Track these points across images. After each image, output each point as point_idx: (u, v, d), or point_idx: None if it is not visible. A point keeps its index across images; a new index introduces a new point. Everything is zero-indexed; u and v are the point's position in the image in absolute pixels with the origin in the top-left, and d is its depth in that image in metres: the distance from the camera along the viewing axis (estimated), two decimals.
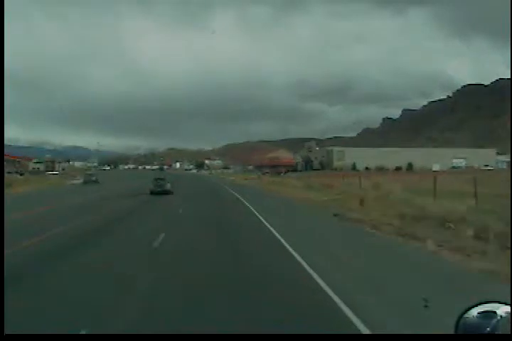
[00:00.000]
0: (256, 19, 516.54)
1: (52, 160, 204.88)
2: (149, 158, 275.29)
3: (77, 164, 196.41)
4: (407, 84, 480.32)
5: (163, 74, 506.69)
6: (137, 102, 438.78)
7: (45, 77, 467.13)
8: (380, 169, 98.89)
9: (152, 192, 39.19)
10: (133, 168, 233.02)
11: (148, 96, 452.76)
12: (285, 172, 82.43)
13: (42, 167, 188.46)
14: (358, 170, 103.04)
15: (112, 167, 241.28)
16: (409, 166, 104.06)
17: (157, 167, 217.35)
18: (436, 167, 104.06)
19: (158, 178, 43.04)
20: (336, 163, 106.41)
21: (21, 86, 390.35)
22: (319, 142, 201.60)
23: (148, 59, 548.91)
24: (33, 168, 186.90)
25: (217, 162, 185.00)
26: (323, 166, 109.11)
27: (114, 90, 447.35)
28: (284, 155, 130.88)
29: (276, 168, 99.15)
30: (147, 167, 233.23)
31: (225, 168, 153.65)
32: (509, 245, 11.68)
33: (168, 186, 41.16)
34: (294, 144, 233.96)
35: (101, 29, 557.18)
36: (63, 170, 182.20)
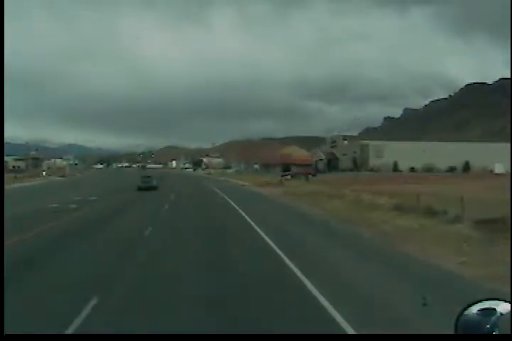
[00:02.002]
0: (256, 17, 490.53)
1: (36, 157, 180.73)
2: (145, 156, 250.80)
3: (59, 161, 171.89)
4: (407, 83, 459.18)
5: (163, 73, 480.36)
6: (137, 101, 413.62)
7: (44, 74, 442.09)
8: (429, 170, 72.33)
9: (140, 188, 42.76)
10: (125, 167, 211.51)
11: (148, 94, 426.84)
12: (314, 174, 56.21)
13: (23, 165, 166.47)
14: (400, 171, 76.62)
15: (106, 165, 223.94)
16: (466, 166, 76.52)
17: (130, 165, 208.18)
18: (499, 168, 75.43)
19: (145, 176, 47.86)
20: (373, 162, 79.46)
21: (21, 84, 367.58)
22: (322, 140, 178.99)
23: (149, 57, 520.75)
24: (13, 167, 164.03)
25: (217, 160, 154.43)
26: (356, 166, 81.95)
27: (115, 88, 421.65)
28: (298, 152, 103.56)
29: (302, 168, 72.43)
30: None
31: (226, 167, 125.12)
32: None
33: (154, 183, 45.10)
34: (298, 142, 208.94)
35: (101, 27, 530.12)
36: (48, 168, 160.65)
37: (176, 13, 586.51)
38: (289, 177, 55.14)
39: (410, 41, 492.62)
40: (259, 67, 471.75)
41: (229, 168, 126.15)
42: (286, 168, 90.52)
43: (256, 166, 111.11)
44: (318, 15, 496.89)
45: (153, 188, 42.84)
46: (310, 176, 53.97)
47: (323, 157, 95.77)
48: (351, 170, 76.08)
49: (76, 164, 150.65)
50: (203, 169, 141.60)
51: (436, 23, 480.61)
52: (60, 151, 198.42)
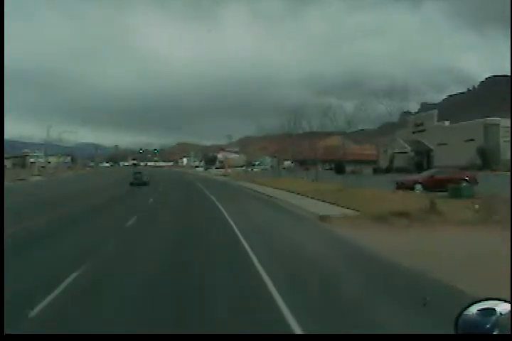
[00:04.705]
0: (268, 13, 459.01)
1: (25, 155, 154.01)
2: (146, 153, 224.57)
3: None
4: (422, 78, 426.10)
5: (175, 71, 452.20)
6: (150, 99, 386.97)
7: (60, 74, 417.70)
8: None
9: (132, 184, 42.42)
10: (131, 165, 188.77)
11: (161, 93, 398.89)
12: (475, 182, 25.00)
13: (9, 164, 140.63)
14: None
15: (112, 164, 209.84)
16: None
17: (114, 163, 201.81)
18: None
19: (137, 172, 47.42)
20: (505, 155, 45.92)
21: (37, 84, 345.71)
22: (344, 135, 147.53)
23: (161, 56, 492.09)
24: None
25: (236, 156, 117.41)
26: (485, 161, 47.08)
27: (128, 87, 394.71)
28: (345, 145, 71.23)
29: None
30: (149, 163, 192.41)
31: (248, 164, 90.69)
32: None
33: (145, 179, 44.74)
34: (319, 137, 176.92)
35: (112, 26, 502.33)
36: (43, 167, 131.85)
37: (187, 10, 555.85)
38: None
39: (425, 36, 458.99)
40: (272, 63, 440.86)
41: (253, 165, 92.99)
42: (339, 166, 59.22)
43: (288, 163, 78.57)
44: (331, 11, 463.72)
45: (144, 184, 42.83)
46: (464, 185, 22.54)
47: (406, 148, 58.31)
48: (479, 168, 41.84)
49: (49, 162, 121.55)
50: (216, 168, 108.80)
51: (451, 17, 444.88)
52: (73, 150, 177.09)
